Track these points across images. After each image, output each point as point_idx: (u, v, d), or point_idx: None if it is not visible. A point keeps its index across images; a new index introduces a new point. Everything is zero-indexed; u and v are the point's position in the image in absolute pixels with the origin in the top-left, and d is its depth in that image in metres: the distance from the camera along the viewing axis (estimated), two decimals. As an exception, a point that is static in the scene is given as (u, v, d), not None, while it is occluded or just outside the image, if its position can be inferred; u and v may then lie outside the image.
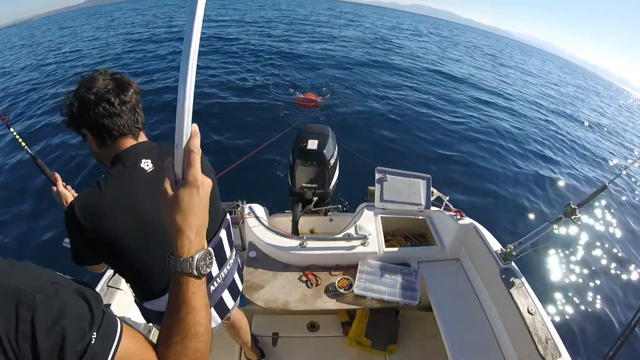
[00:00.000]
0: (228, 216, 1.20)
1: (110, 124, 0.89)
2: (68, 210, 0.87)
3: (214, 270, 1.13)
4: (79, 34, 20.21)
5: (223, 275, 1.18)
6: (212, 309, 1.16)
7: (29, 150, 1.24)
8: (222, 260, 1.16)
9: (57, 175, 1.20)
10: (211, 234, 1.10)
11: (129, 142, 0.95)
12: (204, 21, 0.47)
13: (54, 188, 1.18)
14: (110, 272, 1.54)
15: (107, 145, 0.93)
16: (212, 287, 1.14)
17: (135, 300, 1.11)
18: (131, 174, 0.91)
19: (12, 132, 1.26)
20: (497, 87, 11.79)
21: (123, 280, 1.10)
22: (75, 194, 1.20)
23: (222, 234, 1.14)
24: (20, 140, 1.25)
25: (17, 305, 0.42)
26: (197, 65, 0.49)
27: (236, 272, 1.28)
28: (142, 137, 1.00)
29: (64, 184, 1.21)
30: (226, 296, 1.22)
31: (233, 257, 1.24)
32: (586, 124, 10.11)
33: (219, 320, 1.22)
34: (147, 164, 0.93)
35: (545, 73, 24.96)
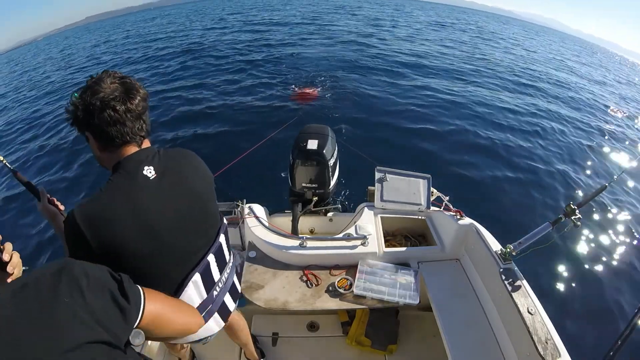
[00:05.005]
0: (225, 220, 1.20)
1: (114, 132, 0.86)
2: (68, 221, 0.83)
3: (216, 275, 1.12)
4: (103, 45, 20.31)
5: (224, 280, 1.18)
6: (216, 314, 1.16)
7: (7, 164, 1.16)
8: (222, 265, 1.16)
9: (42, 189, 1.14)
10: (211, 239, 1.09)
11: (132, 149, 0.92)
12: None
13: (39, 203, 1.12)
14: None
15: (109, 150, 0.91)
16: (215, 292, 1.13)
17: None
18: (134, 181, 0.89)
19: None
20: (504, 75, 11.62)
21: None
22: (62, 207, 1.16)
23: (222, 238, 1.14)
24: None
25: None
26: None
27: (234, 274, 1.28)
28: (146, 144, 0.97)
29: (49, 195, 1.15)
30: (227, 299, 1.22)
31: (232, 261, 1.25)
32: (589, 112, 9.93)
33: (223, 324, 1.22)
34: (149, 171, 0.91)
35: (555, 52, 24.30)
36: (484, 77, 10.98)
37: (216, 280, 1.13)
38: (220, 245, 1.13)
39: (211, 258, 1.08)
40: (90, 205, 0.84)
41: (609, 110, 10.23)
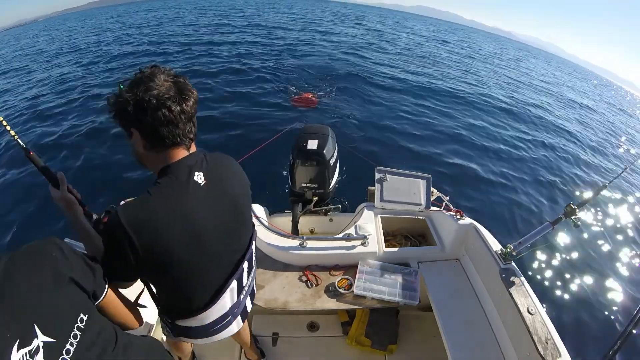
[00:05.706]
0: (255, 227, 1.20)
1: (166, 132, 0.82)
2: (112, 223, 0.79)
3: (245, 280, 1.13)
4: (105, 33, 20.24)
5: (249, 283, 1.19)
6: (239, 315, 1.18)
7: (19, 141, 0.97)
8: (250, 270, 1.17)
9: (61, 175, 0.99)
10: (245, 246, 1.10)
11: (182, 152, 0.88)
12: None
13: (56, 191, 0.97)
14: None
15: (156, 150, 0.86)
16: (242, 296, 1.14)
17: (162, 317, 1.08)
18: (185, 187, 0.85)
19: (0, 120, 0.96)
20: (495, 92, 11.75)
21: (146, 296, 1.03)
22: (79, 196, 1.04)
23: (253, 245, 1.16)
24: (9, 129, 0.95)
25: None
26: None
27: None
28: (193, 148, 0.93)
29: (69, 185, 1.00)
30: (247, 301, 1.23)
31: (255, 265, 1.26)
32: (587, 124, 10.09)
33: (242, 324, 1.23)
34: (199, 177, 0.88)
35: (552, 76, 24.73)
36: (483, 91, 11.00)
37: (244, 284, 1.14)
38: (252, 252, 1.15)
39: (245, 265, 1.09)
40: (138, 209, 0.81)
41: (608, 122, 10.37)
